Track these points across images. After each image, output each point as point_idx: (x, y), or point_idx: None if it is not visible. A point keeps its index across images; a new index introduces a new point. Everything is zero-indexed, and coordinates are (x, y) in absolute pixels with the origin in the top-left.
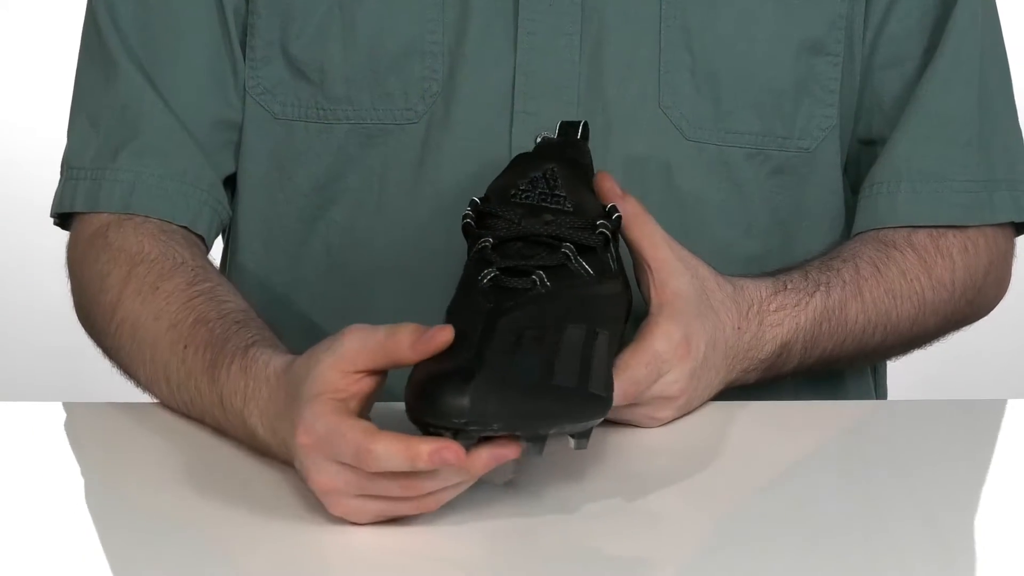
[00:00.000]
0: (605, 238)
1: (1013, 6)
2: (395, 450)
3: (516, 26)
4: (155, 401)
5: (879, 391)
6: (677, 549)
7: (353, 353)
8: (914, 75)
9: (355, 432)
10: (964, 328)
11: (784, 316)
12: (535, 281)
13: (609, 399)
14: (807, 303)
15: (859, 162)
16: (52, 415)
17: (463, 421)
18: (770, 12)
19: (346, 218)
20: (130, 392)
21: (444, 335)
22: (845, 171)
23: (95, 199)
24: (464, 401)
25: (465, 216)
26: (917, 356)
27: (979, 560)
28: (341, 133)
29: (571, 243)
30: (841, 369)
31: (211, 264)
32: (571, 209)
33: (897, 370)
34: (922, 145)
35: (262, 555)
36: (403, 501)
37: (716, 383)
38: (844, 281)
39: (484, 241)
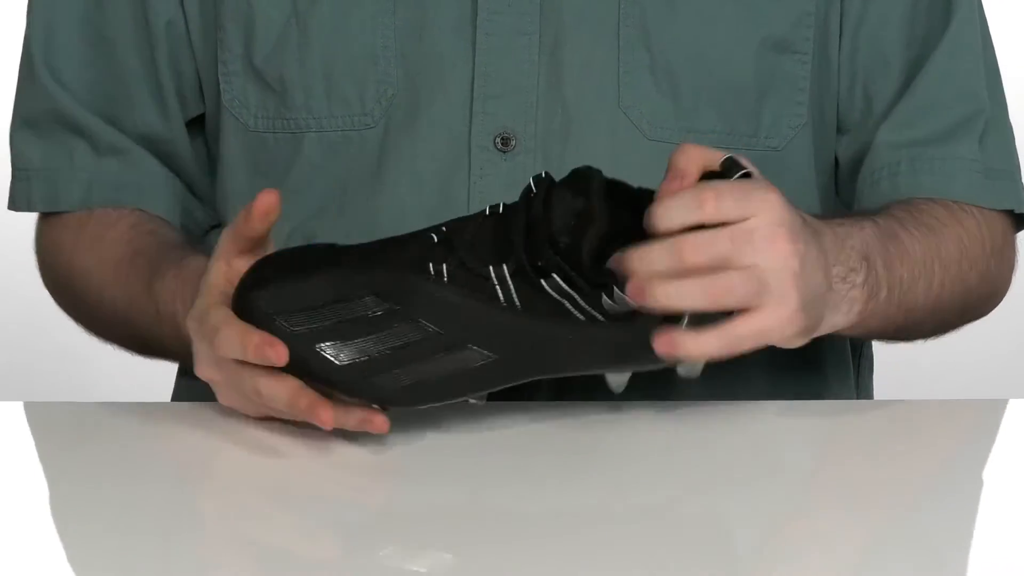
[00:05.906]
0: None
1: (1014, 6)
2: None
3: (475, 27)
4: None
5: (861, 393)
6: (672, 549)
7: (223, 245)
8: (899, 74)
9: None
10: (977, 318)
11: (851, 228)
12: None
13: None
14: (862, 224)
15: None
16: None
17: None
18: (729, 10)
19: (310, 226)
20: (127, 392)
21: (265, 196)
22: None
23: (55, 199)
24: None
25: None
26: (911, 356)
27: (976, 561)
28: (306, 143)
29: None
30: (923, 326)
31: (162, 219)
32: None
33: (887, 371)
34: (912, 127)
35: (253, 555)
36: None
37: (823, 280)
38: (884, 216)
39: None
